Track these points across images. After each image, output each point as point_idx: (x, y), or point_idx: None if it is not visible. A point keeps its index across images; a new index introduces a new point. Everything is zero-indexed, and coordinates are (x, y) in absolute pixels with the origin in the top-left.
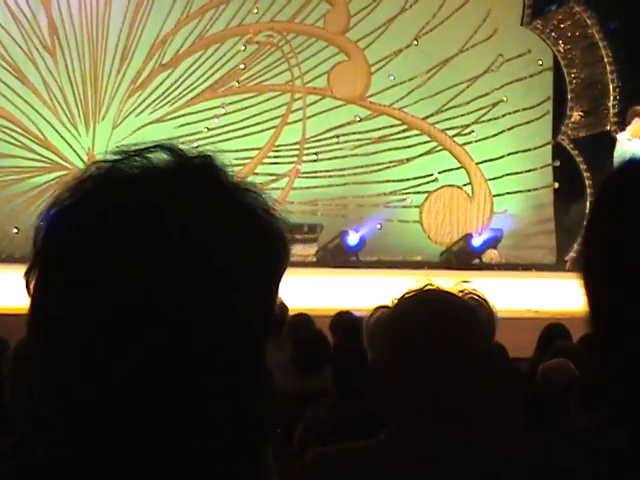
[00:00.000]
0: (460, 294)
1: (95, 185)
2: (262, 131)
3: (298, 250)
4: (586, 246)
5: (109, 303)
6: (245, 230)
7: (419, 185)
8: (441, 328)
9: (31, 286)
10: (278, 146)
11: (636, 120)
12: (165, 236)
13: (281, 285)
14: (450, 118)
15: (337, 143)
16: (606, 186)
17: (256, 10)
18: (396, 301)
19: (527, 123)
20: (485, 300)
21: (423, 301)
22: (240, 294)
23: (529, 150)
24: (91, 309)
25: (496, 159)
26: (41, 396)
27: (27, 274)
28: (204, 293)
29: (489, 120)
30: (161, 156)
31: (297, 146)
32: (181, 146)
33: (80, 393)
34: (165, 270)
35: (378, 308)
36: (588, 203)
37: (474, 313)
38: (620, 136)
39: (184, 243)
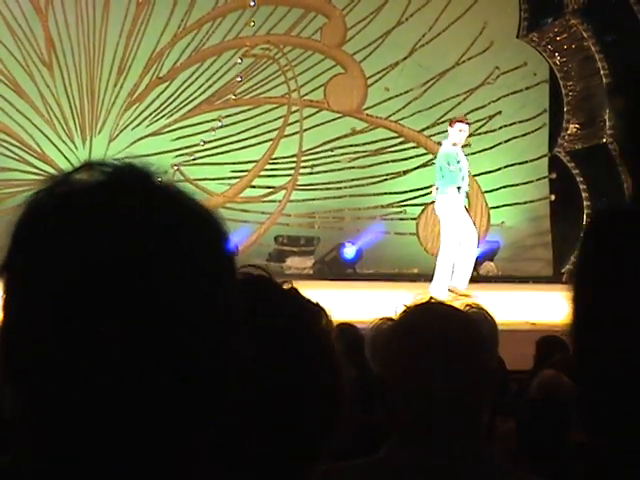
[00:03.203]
0: (463, 307)
1: (28, 213)
2: (259, 144)
3: (295, 263)
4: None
5: (61, 314)
6: (180, 230)
7: (416, 197)
8: (444, 342)
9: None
10: (275, 159)
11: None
12: (95, 252)
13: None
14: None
15: (334, 155)
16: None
17: (253, 23)
18: (401, 313)
19: (523, 135)
20: (488, 313)
21: (427, 314)
22: (183, 295)
23: (525, 162)
24: (45, 319)
25: (493, 171)
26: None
27: None
28: (145, 299)
29: (485, 132)
30: (89, 174)
31: (294, 159)
32: (110, 160)
33: (54, 396)
34: (99, 288)
35: (381, 320)
36: (585, 215)
37: (477, 327)
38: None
39: (114, 260)
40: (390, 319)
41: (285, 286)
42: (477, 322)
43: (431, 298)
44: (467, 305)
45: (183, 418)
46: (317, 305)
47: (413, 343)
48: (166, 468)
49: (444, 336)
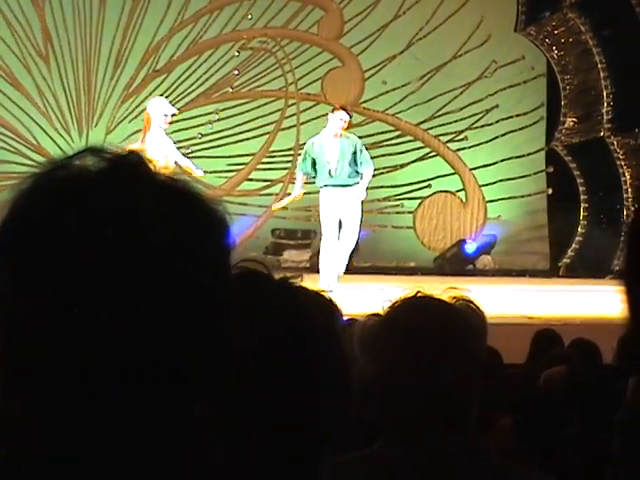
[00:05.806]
0: (451, 300)
1: (26, 197)
2: (256, 137)
3: (292, 256)
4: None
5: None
6: (182, 222)
7: (413, 191)
8: (432, 336)
9: None
10: (272, 152)
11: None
12: (95, 240)
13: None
14: (444, 124)
15: None
16: None
17: (250, 16)
18: (387, 309)
19: (521, 129)
20: (476, 306)
21: (414, 308)
22: (184, 289)
23: (523, 156)
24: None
25: (489, 165)
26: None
27: None
28: (144, 287)
29: (483, 126)
30: (89, 160)
31: (291, 152)
32: (109, 147)
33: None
34: (103, 279)
35: (369, 316)
36: (582, 209)
37: (465, 319)
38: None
39: (117, 249)
40: (377, 314)
41: (295, 281)
42: (465, 315)
43: (418, 292)
44: (454, 298)
45: (183, 416)
46: (324, 299)
47: (400, 338)
48: (166, 467)
49: (431, 330)
